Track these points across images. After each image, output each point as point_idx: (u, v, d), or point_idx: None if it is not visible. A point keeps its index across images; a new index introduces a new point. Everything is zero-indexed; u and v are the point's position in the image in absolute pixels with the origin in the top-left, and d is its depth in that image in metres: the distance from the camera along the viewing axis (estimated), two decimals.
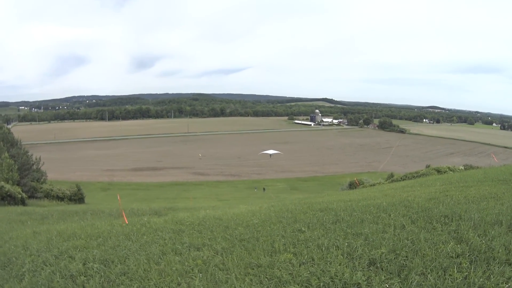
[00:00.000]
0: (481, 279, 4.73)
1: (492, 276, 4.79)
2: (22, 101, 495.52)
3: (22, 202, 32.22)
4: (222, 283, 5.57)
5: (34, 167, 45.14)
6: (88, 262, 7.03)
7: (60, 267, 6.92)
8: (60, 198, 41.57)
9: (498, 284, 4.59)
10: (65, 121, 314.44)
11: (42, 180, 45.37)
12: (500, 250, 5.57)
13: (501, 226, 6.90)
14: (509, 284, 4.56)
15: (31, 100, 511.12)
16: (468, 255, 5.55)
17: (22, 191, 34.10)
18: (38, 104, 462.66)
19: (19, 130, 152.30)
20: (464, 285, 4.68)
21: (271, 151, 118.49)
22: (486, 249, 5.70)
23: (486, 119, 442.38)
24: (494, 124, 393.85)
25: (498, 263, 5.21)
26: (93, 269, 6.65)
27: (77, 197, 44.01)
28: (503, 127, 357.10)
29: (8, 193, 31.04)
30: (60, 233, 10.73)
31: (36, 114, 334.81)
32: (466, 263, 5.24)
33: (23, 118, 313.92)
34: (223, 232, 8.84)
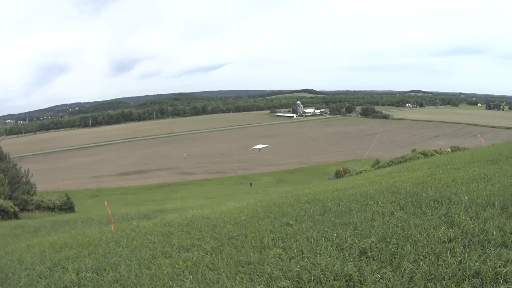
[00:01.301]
0: (477, 264, 4.58)
1: (488, 260, 4.64)
2: (7, 115, 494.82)
3: (15, 216, 32.22)
4: (213, 283, 5.52)
5: (24, 179, 44.68)
6: (81, 272, 7.06)
7: (55, 279, 6.91)
8: (50, 209, 41.54)
9: (495, 268, 4.43)
10: (50, 130, 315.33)
11: (32, 192, 44.96)
12: (495, 233, 5.43)
13: (493, 208, 6.79)
14: (508, 267, 4.41)
15: (16, 112, 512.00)
16: (461, 239, 5.44)
17: (14, 204, 33.96)
18: (23, 116, 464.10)
19: (6, 144, 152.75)
20: (459, 270, 4.54)
21: (259, 146, 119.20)
22: (480, 232, 5.58)
23: (471, 100, 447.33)
24: (479, 105, 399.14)
25: (494, 246, 5.07)
26: (86, 278, 6.65)
27: (67, 206, 43.95)
28: (488, 107, 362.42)
29: (1, 208, 30.98)
30: (52, 244, 10.90)
31: (22, 126, 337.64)
32: (459, 248, 5.11)
33: (10, 131, 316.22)
34: (212, 231, 8.89)
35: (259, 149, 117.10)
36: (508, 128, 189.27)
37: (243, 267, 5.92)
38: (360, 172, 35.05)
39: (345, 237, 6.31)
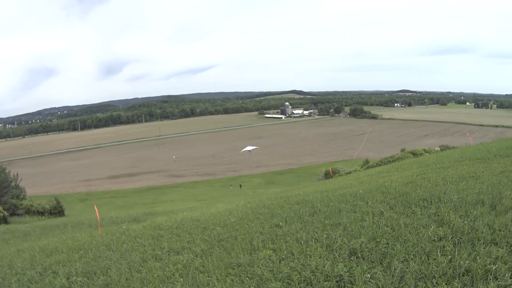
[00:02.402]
0: (467, 261, 4.61)
1: (478, 258, 4.67)
2: None
3: (4, 221, 32.20)
4: (203, 286, 5.53)
5: (13, 184, 44.43)
6: (72, 276, 7.08)
7: (45, 283, 6.96)
8: (40, 213, 41.42)
9: (485, 265, 4.47)
10: (39, 134, 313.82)
11: (21, 196, 44.76)
12: (485, 230, 5.48)
13: (483, 206, 6.86)
14: (497, 264, 4.43)
15: (4, 116, 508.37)
16: (451, 238, 5.47)
17: (4, 209, 33.93)
18: (11, 120, 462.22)
19: None
20: (449, 268, 4.56)
21: (249, 147, 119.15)
22: (469, 230, 5.63)
23: (459, 99, 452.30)
24: (467, 103, 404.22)
25: (484, 243, 5.11)
26: (76, 283, 6.68)
27: (57, 210, 43.84)
28: (477, 106, 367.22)
29: None
30: (42, 249, 11.01)
31: (11, 130, 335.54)
32: (449, 246, 5.14)
33: None
34: (202, 234, 8.92)
35: (249, 150, 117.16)
36: (496, 126, 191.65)
37: (233, 269, 5.91)
38: (350, 173, 35.24)
39: (335, 238, 6.32)
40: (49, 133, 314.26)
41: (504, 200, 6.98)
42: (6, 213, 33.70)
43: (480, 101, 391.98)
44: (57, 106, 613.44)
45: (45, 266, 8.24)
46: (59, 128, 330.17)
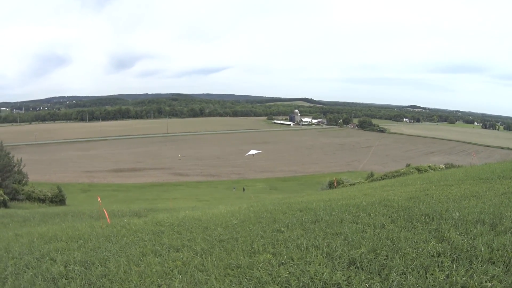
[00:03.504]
0: (464, 278, 4.67)
1: (475, 275, 4.74)
2: (3, 102, 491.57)
3: (4, 204, 32.30)
4: (201, 284, 5.57)
5: (16, 168, 44.55)
6: (69, 265, 7.10)
7: (42, 269, 6.96)
8: (41, 200, 41.62)
9: (481, 283, 4.54)
10: (46, 122, 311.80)
11: (23, 182, 44.92)
12: (483, 249, 5.53)
13: (483, 225, 6.89)
14: (493, 283, 4.50)
15: (12, 101, 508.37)
16: (450, 254, 5.52)
17: (4, 193, 33.96)
18: (19, 105, 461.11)
19: (0, 132, 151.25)
20: (446, 284, 4.62)
21: (253, 151, 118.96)
22: (468, 248, 5.68)
23: (467, 118, 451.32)
24: (475, 123, 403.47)
25: (481, 261, 5.17)
26: (74, 271, 6.70)
27: (58, 199, 44.04)
28: (484, 126, 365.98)
29: None
30: (41, 235, 10.90)
31: (17, 115, 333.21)
32: (447, 262, 5.19)
33: (4, 119, 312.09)
34: (203, 233, 8.89)
35: (253, 154, 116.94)
36: (502, 148, 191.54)
37: (233, 270, 5.94)
38: (354, 184, 35.14)
39: (335, 247, 6.34)
40: (56, 122, 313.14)
41: (504, 220, 7.00)
42: (6, 197, 33.83)
43: (488, 121, 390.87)
44: (66, 95, 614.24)
45: (43, 252, 8.27)
46: (67, 118, 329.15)
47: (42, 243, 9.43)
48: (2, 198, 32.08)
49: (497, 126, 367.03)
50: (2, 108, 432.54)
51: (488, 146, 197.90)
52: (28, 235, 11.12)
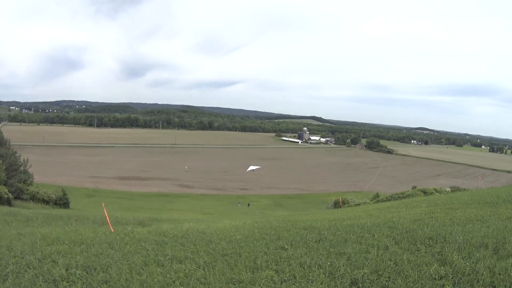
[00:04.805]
0: None
1: None
2: (13, 101, 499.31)
3: (8, 203, 32.19)
4: None
5: (22, 168, 44.80)
6: (71, 268, 7.05)
7: (43, 270, 6.92)
8: (45, 201, 41.67)
9: None
10: (54, 124, 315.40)
11: (28, 182, 45.02)
12: (485, 273, 5.55)
13: (486, 249, 6.89)
14: None
15: (22, 100, 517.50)
16: (452, 277, 5.54)
17: (9, 191, 33.99)
18: (28, 106, 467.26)
19: (8, 130, 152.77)
20: None
21: (252, 167, 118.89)
22: (470, 272, 5.69)
23: (475, 142, 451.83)
24: (483, 147, 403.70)
25: (482, 285, 5.20)
26: (75, 275, 6.66)
27: (62, 202, 44.13)
28: (492, 150, 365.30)
29: None
30: (44, 236, 10.72)
31: (26, 115, 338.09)
32: (449, 285, 5.23)
33: (13, 118, 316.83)
34: (206, 246, 8.84)
35: (253, 170, 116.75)
36: (509, 171, 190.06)
37: (235, 284, 5.97)
38: (359, 204, 34.97)
39: (338, 266, 6.36)
40: (64, 125, 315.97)
41: (507, 245, 7.01)
42: (11, 196, 33.93)
43: (496, 145, 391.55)
44: (76, 100, 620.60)
45: (45, 254, 8.21)
46: (75, 122, 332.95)
47: (45, 244, 9.36)
48: (6, 196, 32.07)
49: (504, 150, 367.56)
50: (11, 107, 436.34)
51: (494, 169, 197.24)
52: (30, 235, 11.08)
